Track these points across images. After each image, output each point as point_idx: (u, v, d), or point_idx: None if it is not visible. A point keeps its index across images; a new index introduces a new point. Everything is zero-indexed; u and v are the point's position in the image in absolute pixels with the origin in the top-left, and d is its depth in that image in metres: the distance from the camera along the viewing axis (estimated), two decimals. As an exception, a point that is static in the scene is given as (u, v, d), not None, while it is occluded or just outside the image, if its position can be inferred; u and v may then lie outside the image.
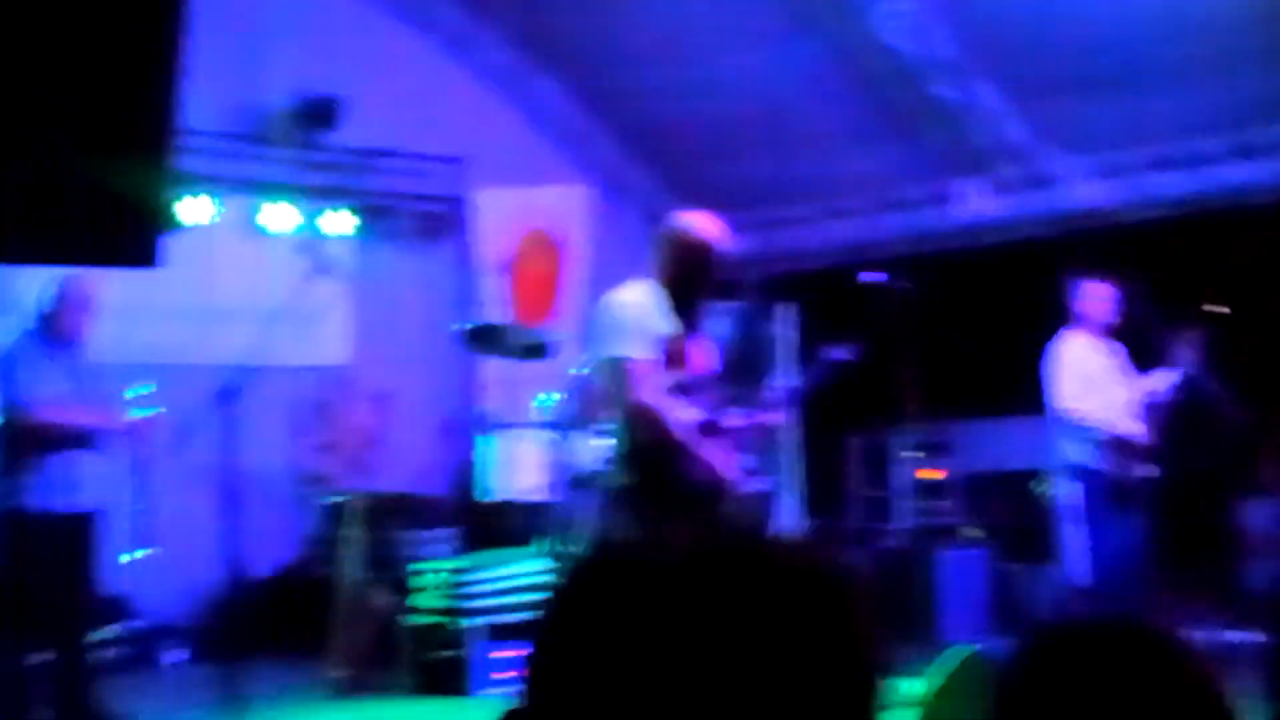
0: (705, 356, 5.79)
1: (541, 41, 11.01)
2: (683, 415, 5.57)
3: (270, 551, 9.51)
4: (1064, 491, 8.15)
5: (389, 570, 8.90)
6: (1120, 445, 7.91)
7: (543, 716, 1.21)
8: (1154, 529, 8.08)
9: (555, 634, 1.23)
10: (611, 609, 1.18)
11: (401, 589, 8.44)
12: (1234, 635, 7.52)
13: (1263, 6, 8.49)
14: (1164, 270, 8.86)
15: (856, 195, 11.03)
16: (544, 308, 11.00)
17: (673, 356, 5.66)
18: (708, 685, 1.11)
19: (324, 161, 10.51)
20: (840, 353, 6.10)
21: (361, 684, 8.09)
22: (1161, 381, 8.06)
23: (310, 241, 9.00)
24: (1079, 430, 8.00)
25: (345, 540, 8.29)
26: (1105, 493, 7.92)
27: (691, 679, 1.11)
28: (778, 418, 5.93)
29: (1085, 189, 10.00)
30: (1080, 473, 8.04)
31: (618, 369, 5.55)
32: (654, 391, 5.49)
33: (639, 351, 5.52)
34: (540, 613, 1.28)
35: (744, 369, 8.79)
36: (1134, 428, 7.95)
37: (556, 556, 8.65)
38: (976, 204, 10.51)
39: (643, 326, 5.56)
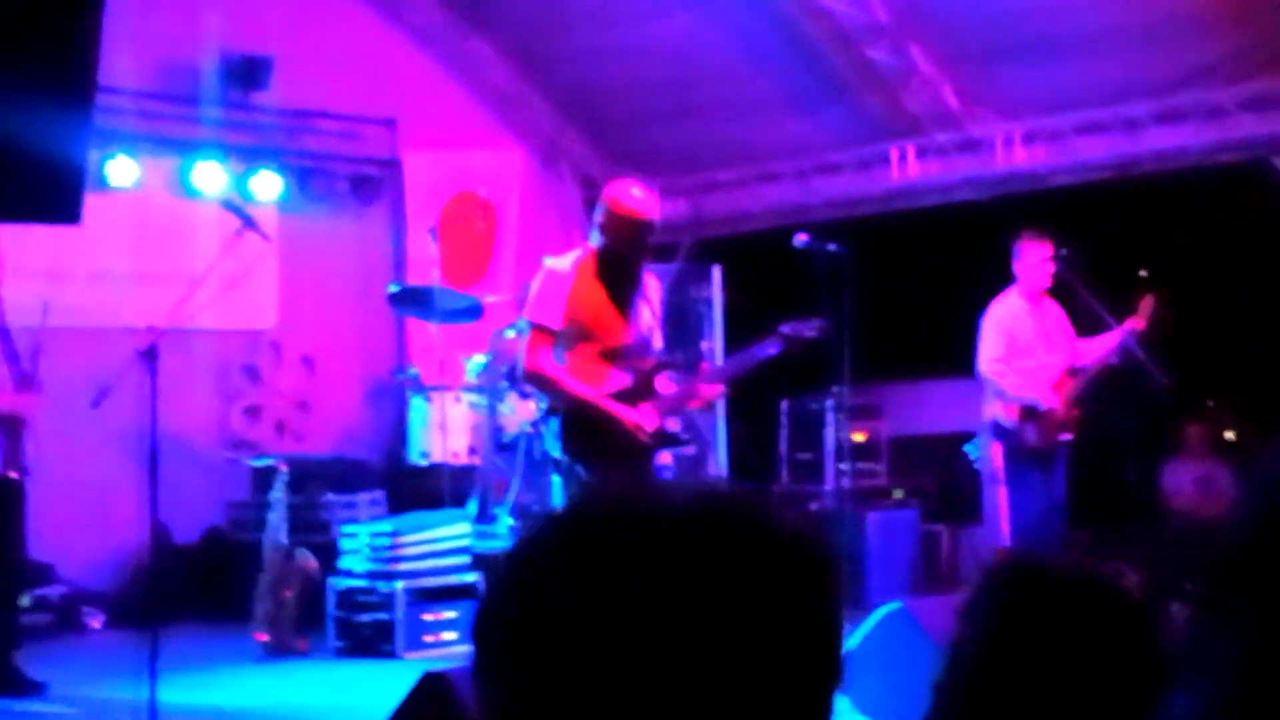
0: (638, 323, 5.80)
1: (475, 2, 10.89)
2: (586, 381, 5.63)
3: (194, 516, 9.43)
4: (986, 452, 8.18)
5: (316, 534, 8.85)
6: (1030, 414, 7.91)
7: (494, 677, 1.14)
8: (1072, 490, 8.10)
9: (516, 591, 1.14)
10: (581, 566, 1.10)
11: (329, 552, 8.39)
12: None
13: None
14: (1094, 234, 8.90)
15: (790, 159, 11.00)
16: (476, 270, 10.92)
17: (604, 323, 5.69)
18: (680, 652, 1.06)
19: (253, 121, 10.36)
20: (807, 330, 5.90)
21: (287, 648, 8.04)
22: (1104, 346, 8.00)
23: (238, 203, 8.85)
24: (999, 390, 8.02)
25: (271, 504, 8.22)
26: (1022, 454, 7.95)
27: (665, 644, 1.06)
28: (716, 391, 5.99)
29: (1015, 153, 10.02)
30: (999, 431, 8.06)
31: (522, 334, 5.80)
32: (546, 357, 5.63)
33: (544, 319, 5.66)
34: (499, 568, 1.19)
35: (676, 332, 8.77)
36: (1048, 398, 7.91)
37: (484, 519, 8.62)
38: (909, 168, 10.51)
39: (556, 295, 5.65)
